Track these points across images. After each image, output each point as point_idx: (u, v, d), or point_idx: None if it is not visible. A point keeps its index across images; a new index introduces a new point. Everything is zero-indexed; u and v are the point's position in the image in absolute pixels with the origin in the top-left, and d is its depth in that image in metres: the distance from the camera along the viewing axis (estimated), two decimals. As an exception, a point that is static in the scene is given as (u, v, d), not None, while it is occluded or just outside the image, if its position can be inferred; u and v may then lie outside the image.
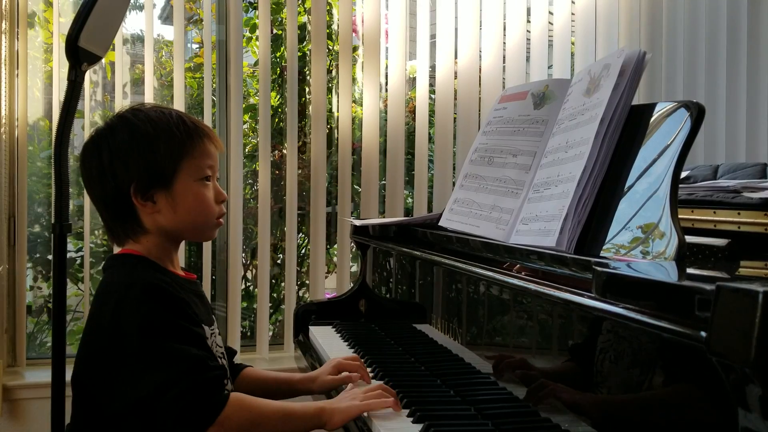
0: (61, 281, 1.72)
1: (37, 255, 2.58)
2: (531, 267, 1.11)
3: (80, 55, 1.68)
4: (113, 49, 2.43)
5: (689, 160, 1.06)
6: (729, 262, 1.05)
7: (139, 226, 1.21)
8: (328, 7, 2.79)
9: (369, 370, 1.41)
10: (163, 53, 2.89)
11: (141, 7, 2.62)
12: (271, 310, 2.78)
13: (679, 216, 0.97)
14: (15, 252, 2.35)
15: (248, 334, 2.78)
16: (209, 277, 2.52)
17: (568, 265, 0.99)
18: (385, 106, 2.75)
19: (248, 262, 2.90)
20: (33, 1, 2.47)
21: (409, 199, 2.89)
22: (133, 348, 1.08)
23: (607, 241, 1.05)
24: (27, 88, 2.37)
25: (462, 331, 1.34)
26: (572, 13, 2.84)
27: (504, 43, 2.76)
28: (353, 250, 2.65)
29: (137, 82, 2.63)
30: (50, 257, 2.46)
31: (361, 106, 2.75)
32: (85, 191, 1.39)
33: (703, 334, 0.64)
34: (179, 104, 2.47)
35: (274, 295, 2.84)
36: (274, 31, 2.84)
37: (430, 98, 2.80)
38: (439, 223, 1.52)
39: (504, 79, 2.77)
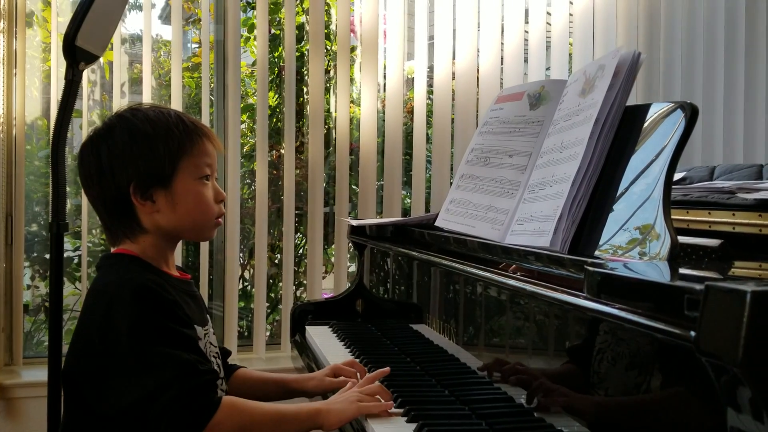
0: (58, 280, 1.73)
1: (35, 254, 2.58)
2: (525, 267, 1.11)
3: (78, 55, 1.68)
4: (111, 49, 2.43)
5: (686, 161, 1.06)
6: (723, 262, 1.05)
7: (138, 225, 1.21)
8: (326, 8, 2.79)
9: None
10: (161, 53, 2.89)
11: (140, 7, 2.62)
12: (268, 310, 2.78)
13: (675, 217, 0.97)
14: (12, 251, 2.35)
15: (245, 334, 2.78)
16: (206, 276, 2.52)
17: (562, 265, 0.99)
18: (383, 106, 2.75)
19: (245, 261, 2.90)
20: (31, 1, 2.47)
21: (407, 200, 2.89)
22: (123, 351, 1.07)
23: (603, 241, 1.05)
24: (25, 87, 2.37)
25: (457, 331, 1.35)
26: (570, 14, 2.84)
27: (502, 44, 2.76)
28: (350, 250, 2.65)
29: (135, 82, 2.63)
30: (47, 256, 2.46)
31: (359, 106, 2.75)
32: (82, 191, 1.39)
33: (693, 333, 0.64)
34: (177, 104, 2.48)
35: (272, 295, 2.84)
36: (272, 31, 2.84)
37: (428, 99, 2.80)
38: (436, 224, 1.52)
39: (502, 80, 2.77)
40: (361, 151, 2.70)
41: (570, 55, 2.88)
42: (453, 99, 2.75)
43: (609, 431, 0.86)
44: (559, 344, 0.98)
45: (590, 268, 0.84)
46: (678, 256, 0.93)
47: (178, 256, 2.48)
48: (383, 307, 1.89)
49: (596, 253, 1.04)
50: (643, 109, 1.12)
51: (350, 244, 2.43)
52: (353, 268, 2.68)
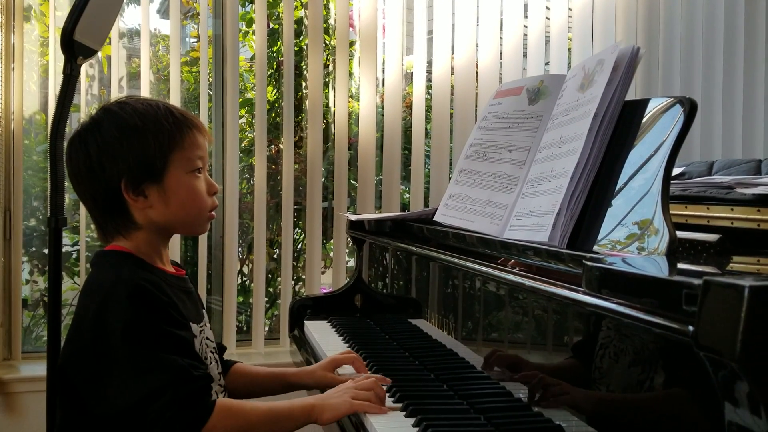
0: (57, 275, 1.72)
1: (33, 249, 2.58)
2: (524, 262, 1.11)
3: (76, 49, 1.68)
4: (109, 43, 2.43)
5: (684, 156, 1.06)
6: (721, 257, 1.05)
7: (131, 221, 1.19)
8: (325, 2, 2.79)
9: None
10: (160, 47, 2.89)
11: (138, 1, 2.61)
12: (267, 305, 2.78)
13: (673, 212, 0.97)
14: (11, 246, 2.35)
15: (244, 328, 2.79)
16: (205, 271, 2.52)
17: (561, 260, 0.99)
18: (382, 101, 2.75)
19: (244, 256, 2.90)
20: (29, -5, 2.46)
21: (406, 195, 2.89)
22: (117, 353, 1.06)
23: (601, 236, 1.05)
24: (23, 81, 2.37)
25: (456, 326, 1.35)
26: (569, 9, 2.83)
27: (501, 39, 2.75)
28: (349, 245, 2.65)
29: (133, 76, 2.63)
30: (46, 251, 2.46)
31: (358, 101, 2.75)
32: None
33: (691, 328, 0.64)
34: (175, 98, 2.47)
35: (270, 289, 2.84)
36: (271, 25, 2.83)
37: (427, 93, 2.80)
38: (434, 219, 1.52)
39: (501, 75, 2.77)
40: (359, 145, 2.69)
41: (569, 50, 2.88)
42: (452, 94, 2.74)
43: (607, 426, 0.86)
44: (558, 339, 0.98)
45: (589, 263, 0.84)
46: (676, 251, 0.93)
47: (176, 251, 2.48)
48: (382, 302, 1.89)
49: (595, 248, 1.04)
50: (642, 104, 1.12)
51: (349, 239, 2.43)
52: (352, 263, 2.68)
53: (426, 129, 2.80)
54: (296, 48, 2.74)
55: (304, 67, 2.77)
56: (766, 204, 1.15)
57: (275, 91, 2.85)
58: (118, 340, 1.06)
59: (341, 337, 1.71)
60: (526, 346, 1.08)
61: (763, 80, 3.01)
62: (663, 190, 0.97)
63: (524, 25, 2.79)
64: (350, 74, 2.77)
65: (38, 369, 2.28)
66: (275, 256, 2.83)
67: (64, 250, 1.86)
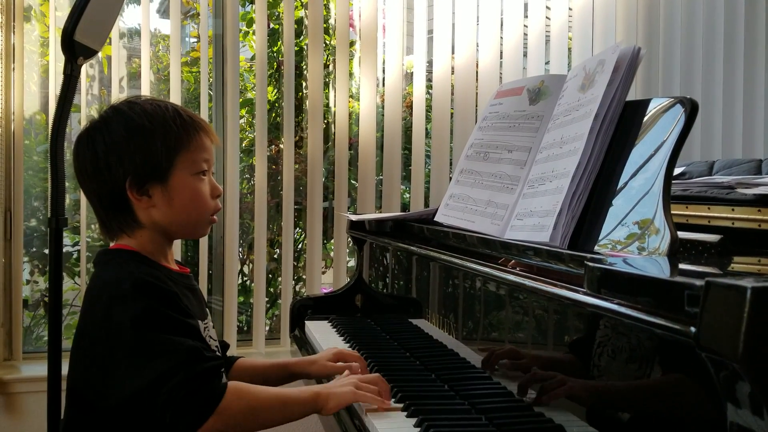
0: (58, 275, 1.73)
1: (34, 249, 2.58)
2: (525, 262, 1.11)
3: (76, 49, 1.68)
4: (110, 43, 2.43)
5: (685, 156, 1.06)
6: (722, 258, 1.05)
7: (134, 220, 1.20)
8: (325, 2, 2.79)
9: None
10: (160, 47, 2.89)
11: (138, 1, 2.61)
12: (268, 305, 2.78)
13: (674, 212, 0.97)
14: (11, 246, 2.35)
15: (245, 328, 2.79)
16: (206, 271, 2.52)
17: (562, 260, 0.99)
18: (382, 101, 2.75)
19: (245, 256, 2.90)
20: (29, -5, 2.46)
21: (406, 195, 2.89)
22: (127, 342, 1.07)
23: (603, 237, 1.05)
24: (23, 82, 2.37)
25: (457, 326, 1.35)
26: (570, 9, 2.83)
27: (501, 38, 2.75)
28: (350, 245, 2.65)
29: (134, 76, 2.62)
30: (47, 251, 2.46)
31: (358, 101, 2.75)
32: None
33: (693, 329, 0.64)
34: (176, 98, 2.47)
35: (271, 289, 2.84)
36: (271, 25, 2.83)
37: (428, 93, 2.80)
38: (435, 219, 1.52)
39: (501, 74, 2.77)
40: (360, 145, 2.69)
41: (569, 50, 2.88)
42: (452, 94, 2.74)
43: (609, 426, 0.86)
44: (559, 339, 0.98)
45: (590, 264, 0.84)
46: (677, 251, 0.93)
47: (177, 251, 2.48)
48: (382, 302, 1.89)
49: (596, 248, 1.04)
50: (643, 104, 1.12)
51: (349, 239, 2.43)
52: (352, 263, 2.68)
53: (426, 129, 2.80)
54: (296, 48, 2.74)
55: (304, 67, 2.77)
56: (767, 204, 1.15)
57: (275, 91, 2.85)
58: (128, 332, 1.07)
59: (342, 337, 1.71)
60: (527, 346, 1.08)
61: (763, 80, 3.01)
62: (664, 191, 0.97)
63: (524, 25, 2.79)
64: (350, 74, 2.77)
65: (39, 369, 2.28)
66: (276, 256, 2.84)
67: (64, 250, 1.87)
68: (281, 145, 2.68)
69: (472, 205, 1.40)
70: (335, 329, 1.80)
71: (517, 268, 1.12)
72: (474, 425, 1.08)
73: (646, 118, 1.10)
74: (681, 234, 0.96)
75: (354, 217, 2.00)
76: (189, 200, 1.21)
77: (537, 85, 1.40)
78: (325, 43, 2.75)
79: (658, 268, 0.85)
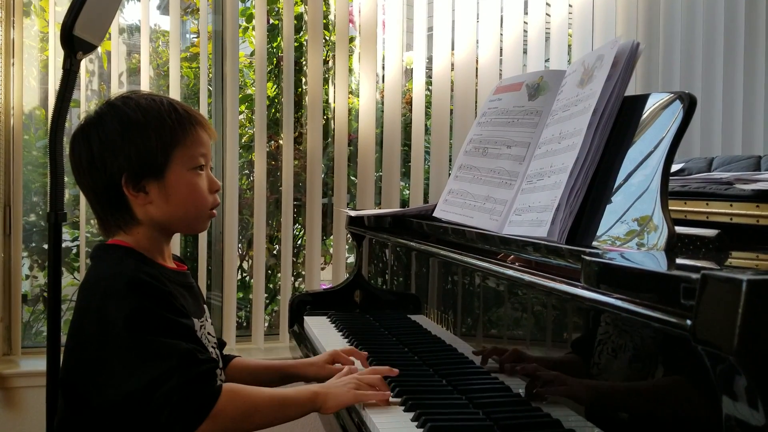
0: (57, 270, 1.73)
1: (33, 244, 2.58)
2: (523, 257, 1.11)
3: (75, 44, 1.68)
4: (109, 39, 2.42)
5: (684, 152, 1.06)
6: (720, 253, 1.05)
7: (131, 217, 1.19)
8: (325, -2, 2.79)
9: (362, 359, 1.41)
10: (160, 43, 2.88)
11: (137, -3, 2.61)
12: (267, 301, 2.78)
13: (673, 207, 0.97)
14: (10, 241, 2.35)
15: (244, 324, 2.79)
16: (205, 267, 2.52)
17: (560, 255, 1.00)
18: (382, 97, 2.74)
19: (244, 252, 2.90)
20: (29, -10, 2.46)
21: (406, 191, 2.89)
22: (121, 342, 1.06)
23: (600, 232, 1.05)
24: (23, 77, 2.37)
25: (455, 321, 1.35)
26: (569, 5, 2.83)
27: (501, 35, 2.75)
28: (349, 241, 2.66)
29: (133, 72, 2.62)
30: (46, 246, 2.47)
31: (358, 97, 2.75)
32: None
33: (689, 322, 0.64)
34: (175, 94, 2.47)
35: (270, 285, 2.84)
36: (271, 21, 2.83)
37: (427, 90, 2.80)
38: (434, 214, 1.52)
39: (501, 71, 2.77)
40: (359, 142, 2.69)
41: (569, 46, 2.87)
42: (452, 90, 2.74)
43: (605, 419, 0.86)
44: (557, 334, 0.99)
45: (587, 258, 0.85)
46: (675, 246, 0.93)
47: (176, 246, 2.48)
48: (381, 297, 1.89)
49: (594, 243, 1.04)
50: (642, 99, 1.12)
51: (349, 235, 2.44)
52: (352, 259, 2.68)
53: (426, 125, 2.80)
54: (296, 44, 2.74)
55: (303, 63, 2.77)
56: (765, 200, 1.16)
57: (275, 86, 2.85)
58: (121, 331, 1.06)
59: (341, 333, 1.72)
60: (525, 341, 1.09)
61: (763, 76, 3.01)
62: (662, 186, 0.97)
63: (524, 22, 2.78)
64: (350, 70, 2.77)
65: (38, 364, 2.28)
66: (275, 252, 2.84)
67: (63, 245, 1.87)
68: (281, 141, 2.68)
69: (470, 200, 1.40)
70: (334, 325, 1.81)
71: (516, 264, 1.12)
72: (472, 420, 1.09)
73: (644, 114, 1.10)
74: (679, 229, 0.96)
75: (353, 213, 2.00)
76: (186, 196, 1.19)
77: (536, 80, 1.40)
78: (324, 39, 2.75)
79: (655, 263, 0.85)
